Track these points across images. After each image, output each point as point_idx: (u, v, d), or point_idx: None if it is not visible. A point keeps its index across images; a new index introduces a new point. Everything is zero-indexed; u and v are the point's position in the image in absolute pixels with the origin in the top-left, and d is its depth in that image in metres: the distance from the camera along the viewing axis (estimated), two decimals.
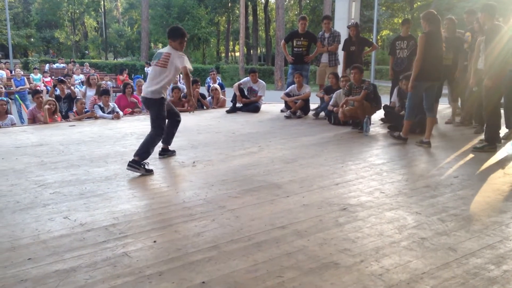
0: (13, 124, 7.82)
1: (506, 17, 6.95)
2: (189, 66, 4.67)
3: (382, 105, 7.58)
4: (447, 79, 7.51)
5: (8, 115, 7.86)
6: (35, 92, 8.59)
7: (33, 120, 8.03)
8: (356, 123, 7.23)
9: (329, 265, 2.59)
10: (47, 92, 11.79)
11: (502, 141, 6.09)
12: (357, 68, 7.28)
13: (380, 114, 7.83)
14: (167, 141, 5.31)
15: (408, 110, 6.07)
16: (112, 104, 8.73)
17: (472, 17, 7.38)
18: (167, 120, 4.95)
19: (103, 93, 8.74)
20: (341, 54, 9.04)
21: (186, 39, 4.75)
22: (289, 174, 4.59)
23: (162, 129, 4.82)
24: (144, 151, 4.60)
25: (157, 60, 4.71)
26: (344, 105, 7.29)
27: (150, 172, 4.58)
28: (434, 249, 2.82)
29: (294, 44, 9.10)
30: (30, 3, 50.37)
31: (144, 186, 4.19)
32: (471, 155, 5.47)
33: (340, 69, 9.22)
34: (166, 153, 5.35)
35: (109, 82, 16.83)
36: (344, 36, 9.20)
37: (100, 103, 8.60)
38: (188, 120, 8.04)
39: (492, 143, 5.73)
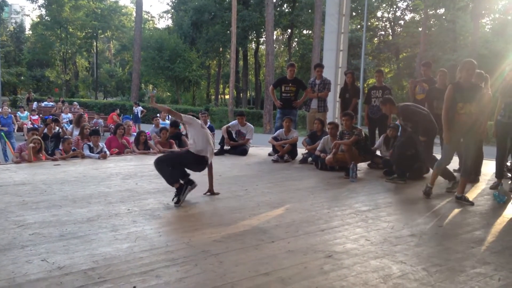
0: None
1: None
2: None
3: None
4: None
5: None
6: (32, 129, 8.76)
7: (20, 154, 7.93)
8: (344, 168, 7.24)
9: None
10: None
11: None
12: (348, 115, 7.38)
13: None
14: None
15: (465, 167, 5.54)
16: (101, 144, 8.68)
17: (428, 70, 7.96)
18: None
19: (93, 133, 8.74)
20: (330, 100, 9.20)
21: None
22: (275, 218, 4.55)
23: None
24: None
25: None
26: (334, 150, 7.33)
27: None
28: None
29: (283, 89, 9.25)
30: (22, 42, 50.85)
31: (126, 228, 4.10)
32: (457, 204, 5.47)
33: (329, 115, 9.37)
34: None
35: (100, 120, 16.85)
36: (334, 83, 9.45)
37: (90, 143, 8.55)
38: None
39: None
